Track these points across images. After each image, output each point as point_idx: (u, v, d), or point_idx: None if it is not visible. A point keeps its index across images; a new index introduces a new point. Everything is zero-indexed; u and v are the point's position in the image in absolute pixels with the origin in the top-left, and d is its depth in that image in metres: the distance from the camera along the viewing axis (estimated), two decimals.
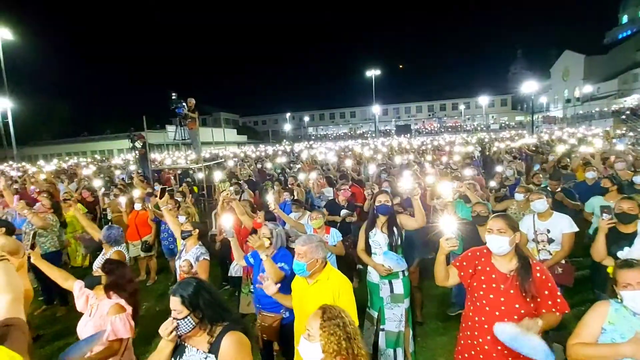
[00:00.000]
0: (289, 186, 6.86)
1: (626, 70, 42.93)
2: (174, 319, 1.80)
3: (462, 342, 2.41)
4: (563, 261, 3.57)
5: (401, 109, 67.54)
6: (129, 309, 2.53)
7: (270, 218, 4.26)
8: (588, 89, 46.58)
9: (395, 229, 3.40)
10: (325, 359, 1.63)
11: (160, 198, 4.27)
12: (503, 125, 55.00)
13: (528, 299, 2.10)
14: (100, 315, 2.48)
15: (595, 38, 58.44)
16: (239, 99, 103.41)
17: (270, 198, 4.34)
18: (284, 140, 44.62)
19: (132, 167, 13.57)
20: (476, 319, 2.27)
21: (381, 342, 3.39)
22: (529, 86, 33.18)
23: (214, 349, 1.79)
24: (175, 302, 1.81)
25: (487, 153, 14.25)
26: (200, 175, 10.29)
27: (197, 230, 3.74)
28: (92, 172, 13.01)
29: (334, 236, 4.09)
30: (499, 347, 2.15)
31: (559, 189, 5.38)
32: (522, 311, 2.11)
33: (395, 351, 3.38)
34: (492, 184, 6.50)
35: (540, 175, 6.12)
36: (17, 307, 1.38)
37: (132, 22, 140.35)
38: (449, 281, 2.46)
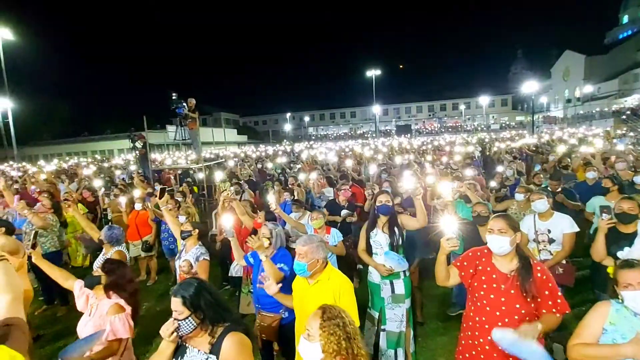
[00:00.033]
0: (289, 186, 6.86)
1: (627, 70, 42.92)
2: (175, 319, 1.80)
3: (462, 342, 2.41)
4: (564, 261, 3.56)
5: (401, 109, 67.52)
6: (129, 308, 2.53)
7: (271, 218, 4.26)
8: (588, 89, 46.57)
9: (396, 229, 3.40)
10: (325, 359, 1.63)
11: (160, 198, 4.27)
12: (503, 125, 54.98)
13: (529, 299, 2.10)
14: (100, 315, 2.48)
15: (596, 38, 58.56)
16: (239, 99, 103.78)
17: (271, 198, 4.34)
18: (284, 140, 44.63)
19: (132, 167, 13.58)
20: (477, 319, 2.26)
21: (382, 343, 3.39)
22: (529, 86, 33.18)
23: (215, 349, 1.79)
24: (176, 303, 1.81)
25: (488, 153, 14.24)
26: (201, 176, 10.29)
27: (197, 231, 3.74)
28: (93, 172, 13.01)
29: (335, 236, 4.08)
30: (500, 348, 2.14)
31: (560, 189, 5.37)
32: (523, 311, 2.11)
33: (396, 351, 3.38)
34: (493, 184, 6.50)
35: (541, 176, 6.12)
36: (17, 307, 1.38)
37: (132, 22, 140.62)
38: (450, 281, 2.46)
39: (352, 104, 67.49)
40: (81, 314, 2.66)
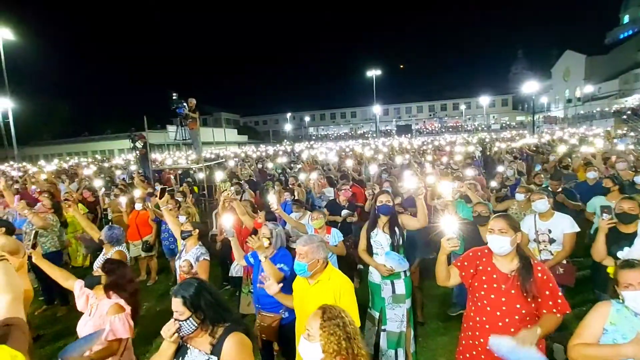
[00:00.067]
0: (290, 186, 6.86)
1: (627, 70, 42.92)
2: (176, 320, 1.80)
3: (463, 342, 2.40)
4: (564, 261, 3.56)
5: (402, 109, 67.51)
6: (128, 308, 2.53)
7: (271, 218, 4.26)
8: (589, 89, 46.55)
9: (397, 229, 3.40)
10: (325, 359, 1.63)
11: (160, 198, 4.27)
12: (504, 125, 54.95)
13: (529, 299, 2.10)
14: (100, 315, 2.48)
15: (597, 38, 58.46)
16: (239, 99, 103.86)
17: (272, 198, 4.34)
18: (285, 140, 44.63)
19: (132, 167, 13.58)
20: (477, 319, 2.26)
21: (382, 343, 3.38)
22: (529, 86, 33.18)
23: (216, 350, 1.79)
24: (177, 304, 1.81)
25: (488, 153, 14.24)
26: (201, 176, 10.29)
27: (197, 231, 3.73)
28: (93, 172, 13.02)
29: (335, 236, 4.08)
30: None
31: (560, 189, 5.37)
32: (523, 311, 2.11)
33: (396, 352, 3.37)
34: (493, 184, 6.49)
35: (542, 176, 6.11)
36: (16, 306, 1.38)
37: (132, 22, 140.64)
38: (450, 281, 2.46)
39: (353, 104, 67.49)
40: (81, 314, 2.66)
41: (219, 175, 7.55)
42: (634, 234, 3.05)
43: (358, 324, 2.31)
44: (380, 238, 3.41)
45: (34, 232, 3.08)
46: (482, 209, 3.93)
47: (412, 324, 3.53)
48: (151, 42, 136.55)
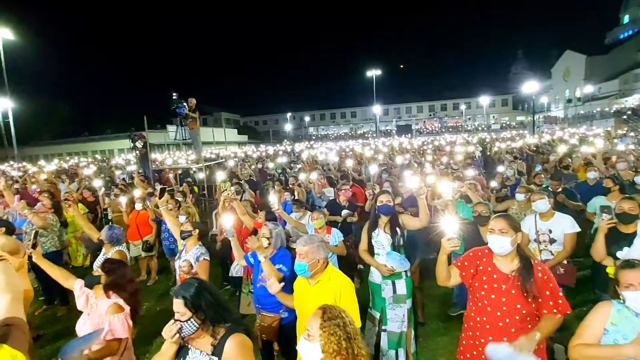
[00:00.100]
0: (290, 186, 6.86)
1: (627, 71, 42.92)
2: (177, 320, 1.79)
3: (464, 342, 2.40)
4: (565, 261, 3.55)
5: (402, 109, 67.51)
6: (128, 308, 2.53)
7: (271, 218, 4.26)
8: (589, 89, 46.56)
9: (397, 229, 3.39)
10: (325, 359, 1.62)
11: (160, 198, 4.26)
12: (504, 125, 54.96)
13: (529, 299, 2.09)
14: (99, 315, 2.48)
15: (597, 38, 58.44)
16: (239, 99, 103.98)
17: (273, 198, 4.34)
18: (285, 140, 44.63)
19: (131, 168, 13.59)
20: (478, 319, 2.26)
21: (383, 343, 3.38)
22: (530, 86, 33.20)
23: (217, 351, 1.79)
24: (178, 304, 1.81)
25: (488, 153, 14.23)
26: (201, 176, 10.29)
27: (197, 231, 3.73)
28: (93, 172, 13.02)
29: (336, 236, 4.07)
30: None
31: (560, 189, 5.37)
32: (524, 311, 2.11)
33: (397, 352, 3.37)
34: (494, 184, 6.49)
35: (542, 176, 6.11)
36: (16, 306, 1.38)
37: (132, 22, 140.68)
38: (451, 281, 2.45)
39: (353, 104, 67.49)
40: (81, 313, 2.66)
41: (220, 176, 7.55)
42: (634, 234, 3.05)
43: (359, 324, 2.30)
44: (381, 238, 3.40)
45: (34, 232, 3.08)
46: (482, 209, 3.93)
47: (413, 324, 3.53)
48: (151, 42, 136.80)
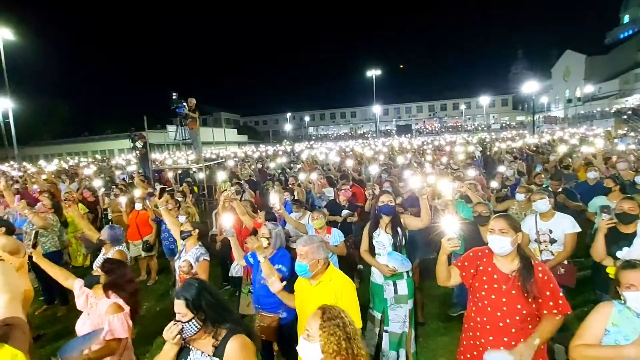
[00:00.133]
0: (290, 186, 6.85)
1: (627, 70, 42.93)
2: (178, 321, 1.79)
3: (464, 342, 2.40)
4: (565, 262, 3.55)
5: (402, 108, 67.51)
6: (127, 308, 2.52)
7: (271, 218, 4.26)
8: (589, 89, 46.55)
9: (399, 229, 3.38)
10: (325, 359, 1.62)
11: (159, 198, 4.25)
12: (504, 125, 54.95)
13: (530, 300, 2.09)
14: (99, 315, 2.48)
15: (597, 38, 58.43)
16: (239, 99, 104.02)
17: (275, 198, 4.33)
18: (285, 140, 44.62)
19: (131, 168, 13.58)
20: (478, 319, 2.26)
21: (384, 344, 3.37)
22: (530, 86, 33.18)
23: (218, 352, 1.79)
24: (179, 305, 1.80)
25: (488, 153, 14.23)
26: (201, 176, 10.28)
27: (197, 231, 3.72)
28: (93, 172, 13.01)
29: (336, 236, 4.07)
30: (502, 348, 2.13)
31: (560, 189, 5.36)
32: (524, 312, 2.10)
33: (398, 352, 3.37)
34: (494, 184, 6.49)
35: (542, 176, 6.11)
36: (15, 306, 1.37)
37: (132, 22, 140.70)
38: (451, 281, 2.45)
39: (353, 104, 67.49)
40: (81, 313, 2.66)
41: (221, 176, 7.54)
42: (634, 234, 3.05)
43: (360, 324, 2.30)
44: (383, 238, 3.40)
45: (34, 231, 3.08)
46: (482, 209, 3.92)
47: (413, 324, 3.53)
48: (151, 42, 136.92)
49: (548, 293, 2.10)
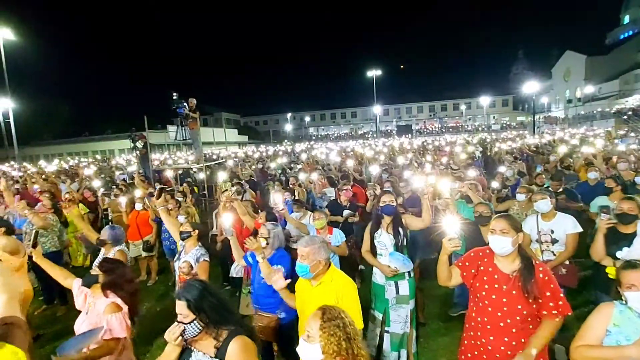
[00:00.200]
0: (290, 186, 6.85)
1: (628, 71, 42.97)
2: (179, 322, 1.79)
3: (465, 342, 2.40)
4: (567, 262, 3.54)
5: (402, 109, 67.53)
6: (126, 308, 2.52)
7: (271, 218, 4.25)
8: (589, 89, 46.59)
9: (400, 230, 3.38)
10: None
11: (158, 198, 4.24)
12: (504, 125, 54.95)
13: (530, 300, 2.08)
14: (97, 314, 2.48)
15: (597, 38, 58.48)
16: (239, 99, 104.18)
17: (278, 198, 4.32)
18: (285, 141, 44.64)
19: (131, 168, 13.59)
20: (479, 319, 2.25)
21: (386, 345, 3.37)
22: (530, 86, 33.15)
23: (220, 353, 1.78)
24: (181, 306, 1.80)
25: (489, 154, 14.22)
26: (201, 176, 10.28)
27: (197, 231, 3.71)
28: (94, 172, 13.02)
29: (337, 237, 4.06)
30: (502, 348, 2.14)
31: (561, 189, 5.36)
32: (525, 312, 2.10)
33: (399, 353, 3.36)
34: (495, 184, 6.47)
35: (543, 176, 6.10)
36: (13, 306, 1.37)
37: (132, 22, 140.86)
38: (452, 281, 2.45)
39: (353, 104, 67.50)
40: (80, 313, 2.65)
41: (222, 176, 7.53)
42: (633, 234, 3.05)
43: (361, 325, 2.30)
44: (384, 239, 3.39)
45: (34, 232, 3.07)
46: (483, 209, 3.91)
47: (414, 324, 3.52)
48: (151, 42, 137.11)
49: (548, 294, 2.09)
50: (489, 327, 2.19)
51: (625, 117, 33.41)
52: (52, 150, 41.39)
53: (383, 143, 24.47)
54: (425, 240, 4.09)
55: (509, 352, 2.12)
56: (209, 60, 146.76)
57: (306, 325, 1.72)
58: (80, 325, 2.54)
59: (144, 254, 6.04)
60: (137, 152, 12.50)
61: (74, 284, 2.73)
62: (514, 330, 2.12)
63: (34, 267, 3.94)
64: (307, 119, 67.21)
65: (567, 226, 3.52)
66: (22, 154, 24.90)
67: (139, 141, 11.97)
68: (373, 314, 3.49)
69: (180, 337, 1.77)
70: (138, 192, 6.44)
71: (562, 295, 2.14)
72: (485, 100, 54.16)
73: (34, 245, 2.89)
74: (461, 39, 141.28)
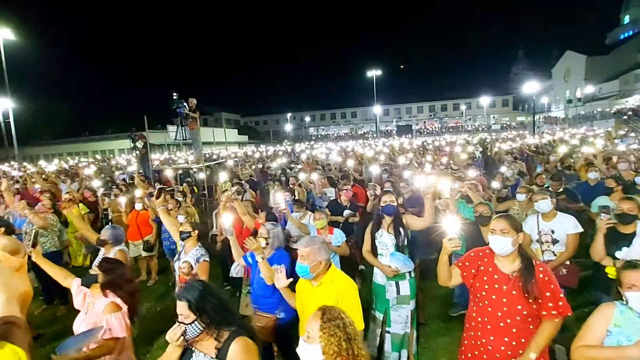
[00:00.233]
0: (290, 186, 6.85)
1: (628, 71, 42.95)
2: (180, 323, 1.78)
3: (465, 342, 2.40)
4: (568, 262, 3.54)
5: (402, 109, 67.53)
6: (125, 307, 2.52)
7: (272, 219, 4.25)
8: (589, 89, 46.59)
9: (401, 230, 3.37)
10: None
11: (157, 198, 4.24)
12: (504, 125, 54.96)
13: (530, 300, 2.08)
14: (96, 314, 2.48)
15: (597, 38, 58.45)
16: (239, 99, 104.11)
17: (280, 197, 4.32)
18: (285, 141, 44.64)
19: (131, 168, 13.59)
20: (479, 319, 2.25)
21: (387, 345, 3.36)
22: (530, 86, 33.14)
23: (221, 354, 1.78)
24: (182, 307, 1.79)
25: (489, 154, 14.22)
26: (201, 176, 10.28)
27: (197, 232, 3.70)
28: (94, 172, 13.02)
29: (338, 237, 4.06)
30: (503, 348, 2.13)
31: (561, 189, 5.36)
32: (525, 312, 2.10)
33: (400, 354, 3.36)
34: (496, 184, 6.47)
35: (543, 176, 6.10)
36: (11, 306, 1.37)
37: (132, 22, 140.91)
38: (452, 281, 2.44)
39: (353, 104, 67.49)
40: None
41: (223, 176, 7.53)
42: (633, 234, 3.05)
43: (362, 325, 2.29)
44: (385, 239, 3.39)
45: (34, 231, 3.07)
46: (484, 209, 3.91)
47: (415, 324, 3.52)
48: (151, 42, 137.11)
49: (548, 294, 2.09)
50: (489, 327, 2.19)
51: (625, 117, 33.41)
52: (52, 150, 41.40)
53: (383, 143, 24.47)
54: (425, 240, 4.09)
55: (509, 352, 2.12)
56: (209, 60, 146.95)
57: (306, 326, 1.72)
58: (79, 325, 2.54)
59: (144, 253, 6.04)
60: (137, 152, 12.50)
61: (73, 283, 2.73)
62: (514, 330, 2.11)
63: (34, 267, 3.93)
64: (307, 119, 67.18)
65: (567, 226, 3.52)
66: (22, 154, 24.90)
67: (139, 141, 11.97)
68: (374, 314, 3.49)
69: (182, 338, 1.77)
70: (138, 192, 6.44)
71: (562, 295, 2.13)
72: (485, 100, 54.16)
73: (34, 245, 2.89)
74: (461, 39, 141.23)
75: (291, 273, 2.78)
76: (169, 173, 10.78)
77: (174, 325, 1.79)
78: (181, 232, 3.65)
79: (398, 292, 3.33)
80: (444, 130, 53.68)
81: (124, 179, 11.73)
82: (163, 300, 5.39)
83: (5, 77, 19.60)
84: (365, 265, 5.15)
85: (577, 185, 6.10)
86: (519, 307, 2.10)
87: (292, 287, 2.68)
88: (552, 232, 3.57)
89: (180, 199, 6.62)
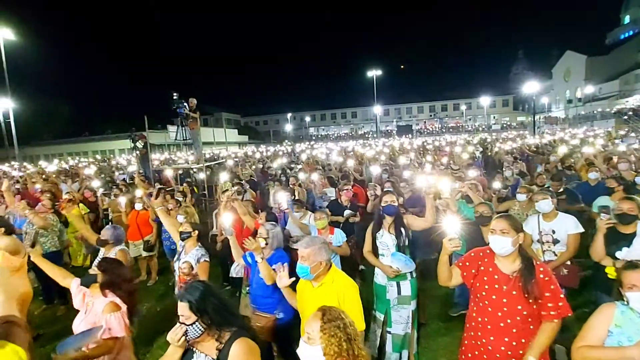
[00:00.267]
0: (290, 186, 6.85)
1: (628, 71, 42.93)
2: (181, 324, 1.78)
3: (466, 342, 2.40)
4: (568, 262, 3.53)
5: (402, 109, 67.50)
6: (124, 307, 2.52)
7: (272, 219, 4.25)
8: (590, 89, 46.57)
9: (402, 230, 3.37)
10: None
11: (156, 198, 4.23)
12: (505, 125, 54.94)
13: (530, 301, 2.08)
14: (95, 314, 2.48)
15: (597, 38, 58.41)
16: (240, 99, 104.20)
17: (282, 197, 4.31)
18: (285, 141, 44.65)
19: (131, 168, 13.59)
20: (479, 319, 2.25)
21: (388, 346, 3.36)
22: (530, 86, 33.13)
23: (222, 355, 1.78)
24: (183, 308, 1.79)
25: (489, 154, 14.22)
26: (201, 176, 10.28)
27: (197, 232, 3.70)
28: (94, 172, 13.01)
29: (339, 237, 4.05)
30: (503, 348, 2.13)
31: (561, 189, 5.35)
32: (525, 312, 2.10)
33: (400, 354, 3.36)
34: (497, 184, 6.46)
35: (544, 176, 6.09)
36: (10, 306, 1.37)
37: (132, 22, 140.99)
38: (452, 281, 2.44)
39: (353, 104, 67.46)
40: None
41: (224, 177, 7.53)
42: (633, 235, 3.05)
43: (363, 326, 2.29)
44: (386, 239, 3.38)
45: (34, 231, 3.08)
46: (484, 209, 3.90)
47: (416, 325, 3.52)
48: (151, 42, 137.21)
49: (548, 294, 2.08)
50: (489, 327, 2.19)
51: (625, 117, 33.40)
52: (52, 150, 41.42)
53: (383, 143, 24.47)
54: (425, 240, 4.09)
55: (509, 352, 2.11)
56: (209, 60, 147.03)
57: (306, 327, 1.71)
58: (78, 325, 2.54)
59: (144, 253, 6.04)
60: (137, 152, 12.50)
61: (72, 283, 2.73)
62: (514, 330, 2.11)
63: (34, 267, 3.93)
64: (307, 119, 67.17)
65: (568, 226, 3.51)
66: (22, 154, 24.90)
67: (139, 141, 11.97)
68: (374, 315, 3.49)
69: (183, 338, 1.77)
70: (138, 192, 6.44)
71: (562, 296, 2.13)
72: (485, 100, 54.15)
73: (32, 245, 2.89)
74: (461, 39, 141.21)
75: (291, 273, 2.78)
76: (169, 173, 10.77)
77: (175, 326, 1.79)
78: (181, 233, 3.64)
79: (399, 292, 3.32)
80: (444, 131, 53.67)
81: (124, 179, 11.73)
82: (163, 300, 5.39)
83: (6, 77, 19.64)
84: (366, 266, 5.14)
85: (578, 186, 6.09)
86: (519, 307, 2.10)
87: (292, 287, 2.68)
88: (553, 232, 3.57)
89: (180, 199, 6.61)
